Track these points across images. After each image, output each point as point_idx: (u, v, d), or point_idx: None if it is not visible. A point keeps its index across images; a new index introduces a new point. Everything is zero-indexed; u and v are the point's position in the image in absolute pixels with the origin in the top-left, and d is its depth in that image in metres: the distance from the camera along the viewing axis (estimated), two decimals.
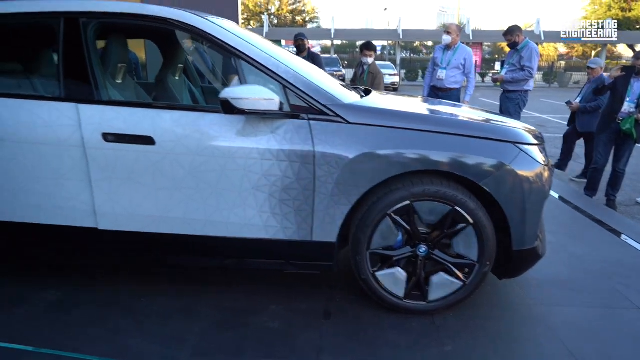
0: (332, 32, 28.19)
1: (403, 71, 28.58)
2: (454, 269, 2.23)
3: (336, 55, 18.40)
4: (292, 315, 2.28)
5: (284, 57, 2.36)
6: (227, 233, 2.19)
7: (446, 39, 5.05)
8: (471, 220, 2.15)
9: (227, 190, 2.14)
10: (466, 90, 5.21)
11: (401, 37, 28.56)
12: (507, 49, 5.37)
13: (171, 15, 2.20)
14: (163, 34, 2.82)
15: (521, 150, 2.16)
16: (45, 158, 2.16)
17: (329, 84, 2.41)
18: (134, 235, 2.23)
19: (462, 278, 2.24)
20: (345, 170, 2.09)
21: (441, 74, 5.08)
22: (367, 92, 2.76)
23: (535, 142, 2.26)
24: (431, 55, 5.95)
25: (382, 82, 5.10)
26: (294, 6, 38.01)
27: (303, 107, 2.14)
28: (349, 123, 2.12)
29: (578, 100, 5.52)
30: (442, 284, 2.25)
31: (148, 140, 2.12)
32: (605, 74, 5.32)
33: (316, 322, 2.22)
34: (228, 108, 2.01)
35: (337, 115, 2.13)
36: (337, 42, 31.31)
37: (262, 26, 30.90)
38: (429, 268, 2.26)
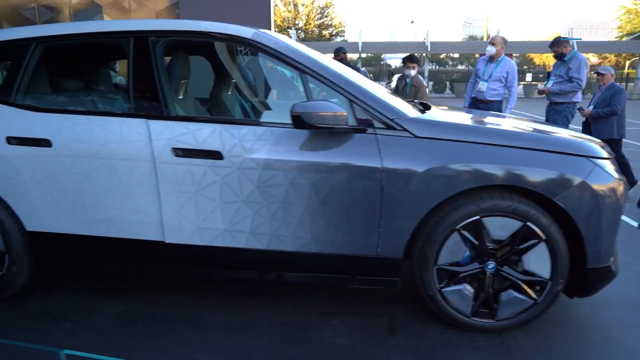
0: (360, 45, 28.35)
1: (431, 83, 28.43)
2: (524, 287, 2.16)
3: (364, 68, 18.45)
4: (354, 330, 2.24)
5: (347, 72, 2.37)
6: (293, 247, 2.19)
7: (490, 50, 4.96)
8: (544, 237, 2.09)
9: (294, 204, 2.14)
10: (507, 103, 5.11)
11: (429, 49, 28.46)
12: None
13: (242, 33, 2.24)
14: (218, 50, 2.87)
15: (596, 164, 2.09)
16: (116, 173, 2.21)
17: (391, 98, 2.40)
18: (199, 249, 2.25)
19: (533, 296, 2.17)
20: (412, 185, 2.07)
21: (482, 86, 5.01)
22: (424, 106, 2.74)
23: (608, 155, 2.19)
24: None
25: (425, 95, 5.06)
26: (321, 20, 38.46)
27: (370, 121, 2.13)
28: (417, 137, 2.10)
29: (591, 107, 5.29)
30: (511, 302, 2.18)
31: (216, 155, 2.15)
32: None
33: (381, 339, 2.18)
34: (299, 123, 2.02)
35: (405, 130, 2.11)
36: (363, 55, 31.43)
37: None
38: (497, 285, 2.20)
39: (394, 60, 37.92)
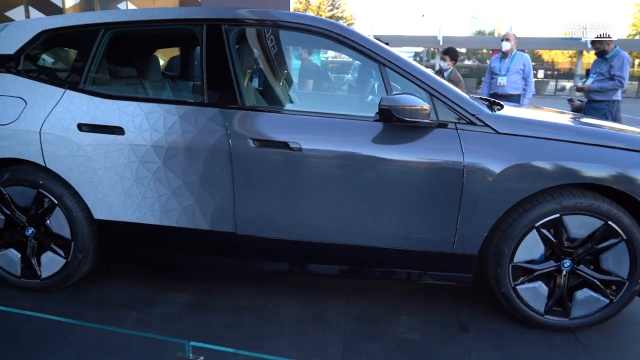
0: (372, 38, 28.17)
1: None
2: (600, 286, 2.15)
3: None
4: (426, 326, 2.23)
5: (422, 67, 2.34)
6: (369, 242, 2.18)
7: (506, 45, 5.13)
8: (624, 236, 2.06)
9: (372, 199, 2.12)
10: (525, 95, 5.25)
11: (441, 43, 28.23)
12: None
13: (320, 24, 2.21)
14: (283, 39, 2.84)
15: None
16: (190, 162, 2.19)
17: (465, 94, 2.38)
18: (270, 242, 2.24)
19: (609, 295, 2.15)
20: (494, 181, 2.04)
21: (502, 80, 5.16)
22: (493, 103, 2.70)
23: None
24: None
25: (462, 89, 5.02)
26: (332, 12, 38.17)
27: (451, 116, 2.11)
28: (499, 133, 2.07)
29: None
30: (586, 301, 2.16)
31: (287, 146, 2.13)
32: None
33: (455, 335, 2.17)
34: (387, 116, 2.00)
35: (486, 125, 2.08)
36: None
37: None
38: (572, 283, 2.18)
39: (404, 54, 37.67)
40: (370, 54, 2.17)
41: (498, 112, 2.22)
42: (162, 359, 1.92)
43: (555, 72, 33.19)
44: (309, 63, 4.44)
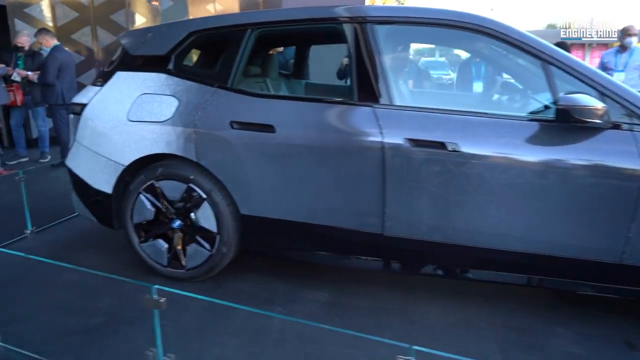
0: None
1: None
2: None
3: (444, 58, 17.80)
4: (586, 340, 2.10)
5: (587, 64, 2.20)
6: (524, 248, 2.07)
7: (628, 41, 4.84)
8: None
9: (531, 204, 2.01)
10: None
11: None
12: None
13: (475, 20, 2.13)
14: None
15: None
16: (341, 162, 2.19)
17: None
18: (420, 244, 2.19)
19: None
20: None
21: (619, 77, 4.80)
22: None
23: None
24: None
25: None
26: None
27: (625, 117, 1.96)
28: None
29: None
30: None
31: (443, 147, 2.07)
32: None
33: (623, 352, 2.02)
34: (564, 117, 1.89)
35: None
36: None
37: None
38: None
39: None
40: (532, 50, 2.06)
41: None
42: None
43: None
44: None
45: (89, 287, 2.54)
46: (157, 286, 1.52)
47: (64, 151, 5.38)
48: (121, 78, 2.61)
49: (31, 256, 1.92)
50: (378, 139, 2.13)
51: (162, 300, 1.52)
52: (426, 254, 2.22)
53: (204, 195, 2.41)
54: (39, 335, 2.11)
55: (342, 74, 5.21)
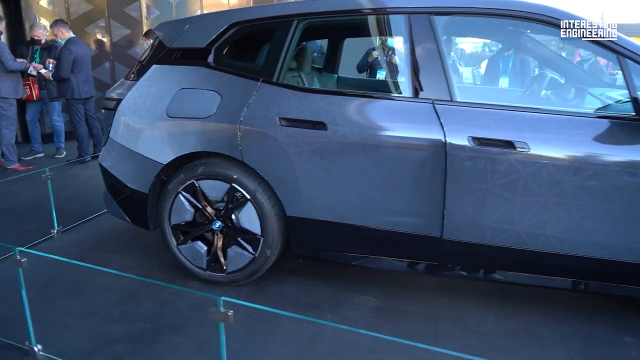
0: None
1: None
2: None
3: (452, 53, 17.65)
4: None
5: None
6: (593, 253, 1.95)
7: None
8: None
9: (607, 206, 1.89)
10: None
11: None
12: None
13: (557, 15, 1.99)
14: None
15: None
16: (398, 161, 2.06)
17: None
18: (481, 248, 2.07)
19: None
20: None
21: None
22: None
23: None
24: None
25: None
26: None
27: None
28: None
29: None
30: None
31: (510, 145, 1.94)
32: None
33: None
34: None
35: None
36: None
37: None
38: None
39: None
40: (612, 46, 1.93)
41: None
42: None
43: None
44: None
45: (126, 291, 2.43)
46: (224, 298, 1.40)
47: (81, 147, 5.26)
48: (158, 72, 2.48)
49: (73, 261, 1.81)
50: (440, 136, 2.00)
51: (230, 313, 1.40)
52: (487, 258, 2.10)
53: (248, 196, 2.29)
54: (81, 344, 2.00)
55: (366, 67, 5.04)
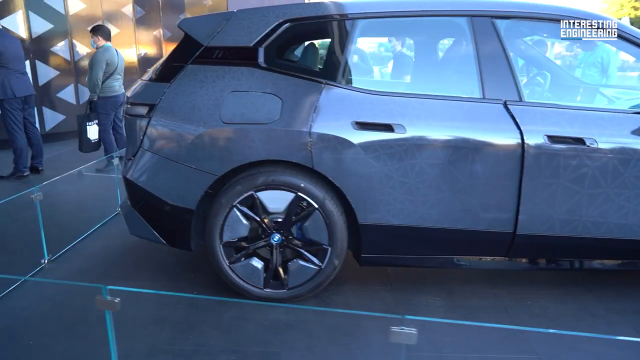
0: None
1: None
2: None
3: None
4: None
5: None
6: None
7: None
8: None
9: None
10: None
11: None
12: None
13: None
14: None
15: None
16: (474, 162, 2.10)
17: None
18: (552, 239, 2.20)
19: None
20: None
21: None
22: None
23: None
24: None
25: None
26: None
27: None
28: None
29: None
30: None
31: (582, 142, 2.10)
32: None
33: None
34: None
35: None
36: None
37: None
38: None
39: None
40: None
41: None
42: None
43: None
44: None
45: (175, 321, 2.15)
46: (409, 317, 1.31)
47: (19, 160, 4.52)
48: (198, 73, 2.22)
49: (160, 291, 1.56)
50: (516, 135, 2.08)
51: (414, 331, 1.32)
52: (555, 248, 2.24)
53: (316, 205, 2.16)
54: None
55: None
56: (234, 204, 2.19)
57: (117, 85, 4.84)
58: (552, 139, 2.08)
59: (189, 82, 2.21)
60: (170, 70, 2.28)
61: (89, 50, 6.57)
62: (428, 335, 2.04)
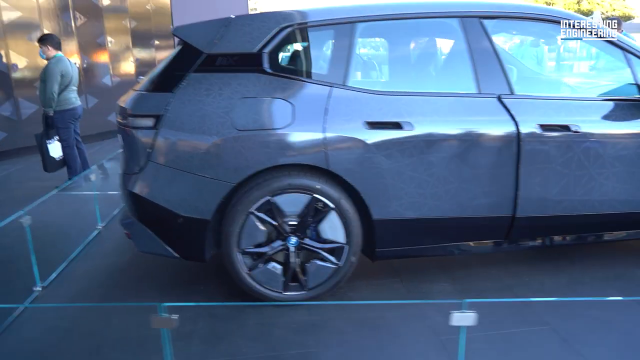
0: None
1: None
2: None
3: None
4: None
5: None
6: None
7: None
8: None
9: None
10: None
11: None
12: None
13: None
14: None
15: None
16: (480, 152, 2.26)
17: None
18: (547, 219, 2.40)
19: None
20: None
21: None
22: None
23: None
24: None
25: None
26: None
27: None
28: None
29: None
30: None
31: (566, 128, 2.31)
32: None
33: None
34: None
35: None
36: None
37: None
38: None
39: None
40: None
41: None
42: None
43: None
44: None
45: (203, 333, 2.12)
46: (468, 300, 1.41)
47: None
48: (202, 81, 2.19)
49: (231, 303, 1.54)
50: (512, 126, 2.26)
51: (474, 313, 1.41)
52: (552, 227, 2.45)
53: (332, 205, 2.22)
54: None
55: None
56: (251, 210, 2.19)
57: (73, 97, 4.57)
58: (544, 127, 2.28)
59: (194, 90, 2.18)
60: (170, 79, 2.23)
61: (27, 61, 6.12)
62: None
